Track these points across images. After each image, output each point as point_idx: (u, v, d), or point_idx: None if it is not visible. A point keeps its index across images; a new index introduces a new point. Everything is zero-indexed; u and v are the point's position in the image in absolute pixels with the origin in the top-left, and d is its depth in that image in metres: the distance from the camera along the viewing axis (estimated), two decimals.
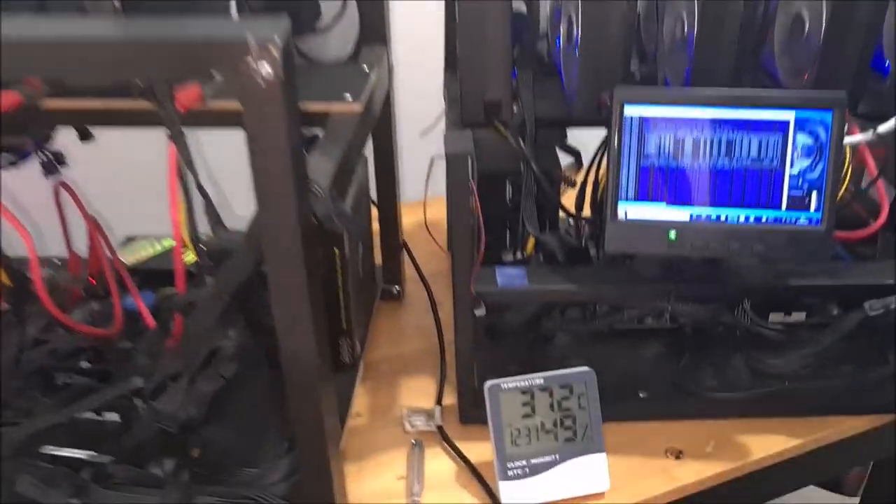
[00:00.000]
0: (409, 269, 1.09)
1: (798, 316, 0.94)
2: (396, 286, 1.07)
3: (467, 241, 0.75)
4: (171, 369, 0.68)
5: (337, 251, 0.83)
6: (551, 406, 0.78)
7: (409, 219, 1.09)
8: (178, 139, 0.66)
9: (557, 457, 0.78)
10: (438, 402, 0.90)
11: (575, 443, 0.78)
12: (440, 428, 0.86)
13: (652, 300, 0.83)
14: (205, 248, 0.67)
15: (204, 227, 0.72)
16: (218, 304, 0.61)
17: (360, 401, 0.91)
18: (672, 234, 0.74)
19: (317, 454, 0.62)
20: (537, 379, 0.78)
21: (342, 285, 0.85)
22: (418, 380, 0.94)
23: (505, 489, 0.77)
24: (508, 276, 0.80)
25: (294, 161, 0.50)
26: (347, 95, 0.75)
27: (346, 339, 0.89)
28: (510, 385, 0.78)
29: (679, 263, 0.80)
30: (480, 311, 0.79)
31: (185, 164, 0.66)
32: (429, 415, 0.88)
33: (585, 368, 0.78)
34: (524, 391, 0.78)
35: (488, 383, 0.77)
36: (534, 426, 0.78)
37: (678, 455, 0.83)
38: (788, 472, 0.87)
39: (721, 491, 0.83)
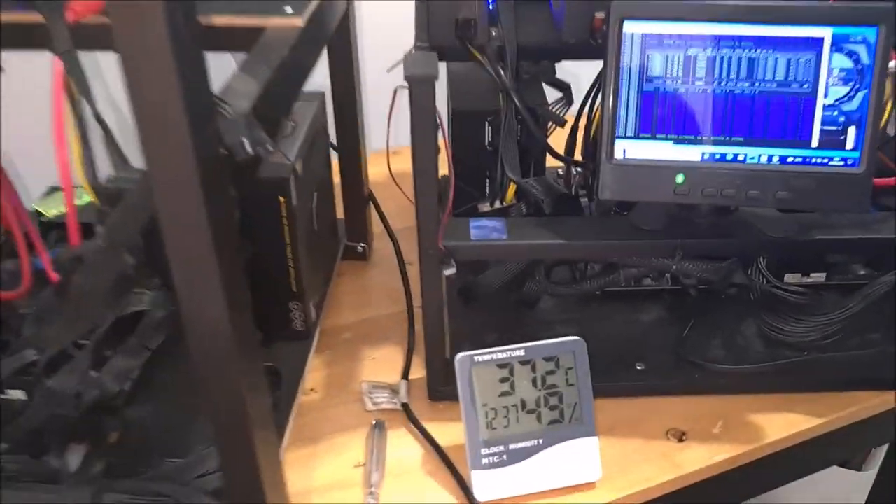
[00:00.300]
0: (377, 226, 0.96)
1: (817, 277, 0.83)
2: (362, 243, 0.95)
3: (432, 183, 0.62)
4: (63, 338, 0.56)
5: (281, 200, 0.70)
6: (534, 382, 0.66)
7: (377, 169, 0.96)
8: (66, 56, 0.53)
9: (541, 441, 0.66)
10: (405, 376, 0.78)
11: (561, 425, 0.66)
12: (405, 406, 0.74)
13: (654, 257, 0.71)
14: (105, 191, 0.54)
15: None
16: (115, 259, 0.49)
17: (316, 374, 0.79)
18: (679, 178, 0.62)
19: (239, 444, 0.50)
20: (517, 350, 0.66)
21: (290, 240, 0.73)
22: (383, 350, 0.82)
23: (478, 479, 0.65)
24: (484, 229, 0.68)
25: (181, 67, 0.37)
26: (287, 8, 0.62)
27: (298, 303, 0.77)
28: (485, 358, 0.66)
29: (686, 214, 0.68)
30: (450, 270, 0.67)
31: (77, 88, 0.53)
32: (393, 390, 0.76)
33: (574, 338, 0.67)
34: (502, 365, 0.66)
35: (459, 356, 0.65)
36: (513, 406, 0.66)
37: (681, 437, 0.72)
38: (807, 455, 0.77)
39: (731, 477, 0.72)
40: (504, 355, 0.66)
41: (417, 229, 0.66)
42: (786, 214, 0.70)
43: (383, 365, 0.80)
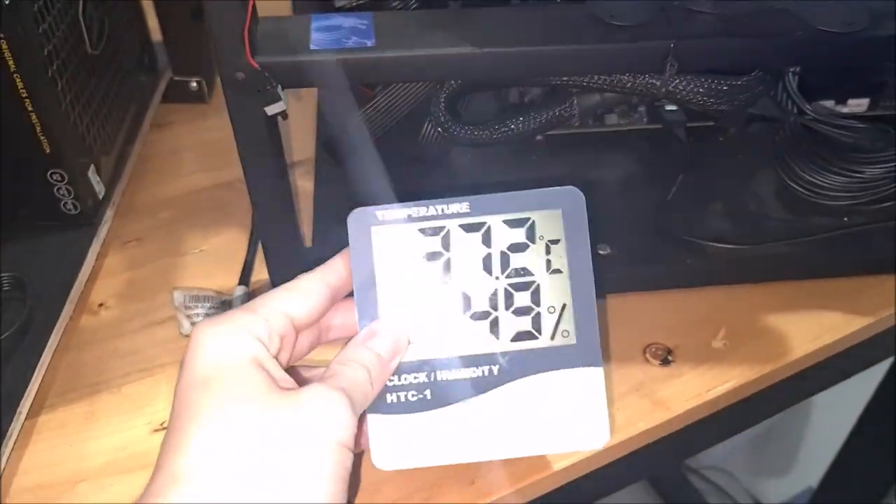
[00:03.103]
0: None
1: (857, 103, 0.57)
2: (197, 78, 0.64)
3: None
4: None
5: None
6: (487, 264, 0.37)
7: None
8: None
9: (496, 370, 0.37)
10: (244, 280, 0.51)
11: (536, 344, 0.37)
12: None
13: (629, 73, 0.43)
14: None
15: None
16: None
17: (110, 281, 0.52)
18: None
19: None
20: (456, 203, 0.37)
21: (17, 66, 0.43)
22: (218, 238, 0.55)
23: (378, 431, 0.37)
24: (335, 32, 0.39)
25: None
26: None
27: (60, 172, 0.48)
28: (397, 215, 0.37)
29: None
30: (276, 106, 0.38)
31: None
32: (224, 303, 0.49)
33: (567, 188, 0.37)
34: (429, 230, 0.37)
35: (354, 212, 0.36)
36: (447, 304, 0.37)
37: (666, 357, 0.47)
38: (841, 365, 0.53)
39: (734, 408, 0.48)
40: (433, 210, 0.37)
41: (211, 38, 0.37)
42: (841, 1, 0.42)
43: (214, 262, 0.53)
